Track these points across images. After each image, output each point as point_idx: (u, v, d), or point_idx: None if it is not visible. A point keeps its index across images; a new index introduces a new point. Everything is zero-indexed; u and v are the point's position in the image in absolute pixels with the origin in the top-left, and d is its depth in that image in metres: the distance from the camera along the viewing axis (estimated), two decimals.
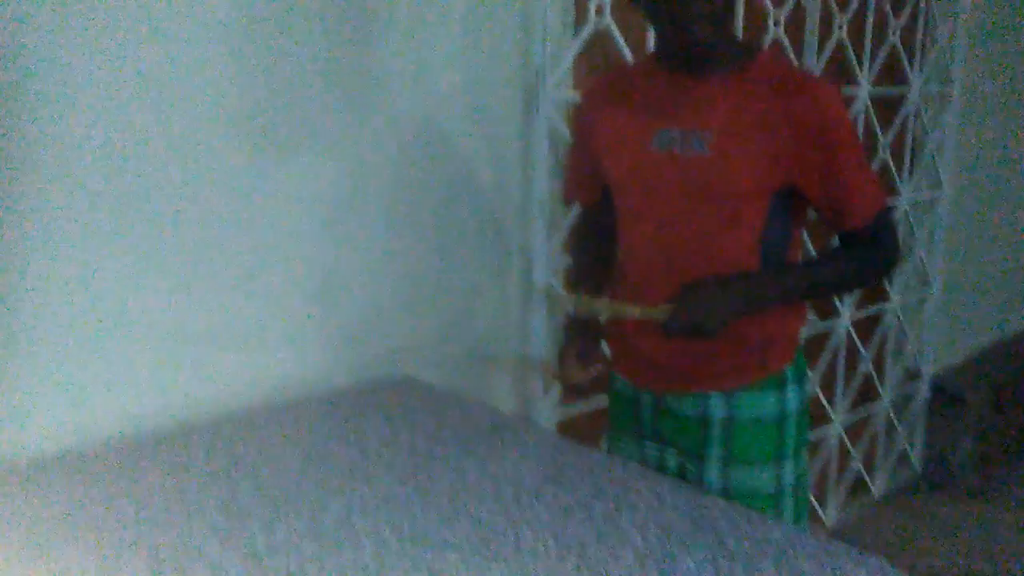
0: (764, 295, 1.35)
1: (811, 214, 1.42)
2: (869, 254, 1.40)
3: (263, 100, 1.48)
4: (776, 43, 2.33)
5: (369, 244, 1.67)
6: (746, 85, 1.32)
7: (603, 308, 1.39)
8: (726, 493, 1.41)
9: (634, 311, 1.35)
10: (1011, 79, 3.45)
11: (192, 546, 1.05)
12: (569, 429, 2.09)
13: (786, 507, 1.44)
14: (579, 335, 1.54)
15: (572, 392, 1.46)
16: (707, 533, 1.09)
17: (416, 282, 1.77)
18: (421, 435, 1.40)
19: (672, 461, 1.51)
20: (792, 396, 1.43)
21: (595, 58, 1.99)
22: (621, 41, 1.96)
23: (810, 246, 2.36)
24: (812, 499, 2.68)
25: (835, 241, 1.46)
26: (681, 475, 1.49)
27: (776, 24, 2.31)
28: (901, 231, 2.99)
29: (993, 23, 3.22)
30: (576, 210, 1.82)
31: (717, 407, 1.42)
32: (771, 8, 2.30)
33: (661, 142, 1.35)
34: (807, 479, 1.51)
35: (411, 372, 1.72)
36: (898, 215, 2.93)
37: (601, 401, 2.03)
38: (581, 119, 1.55)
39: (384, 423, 1.45)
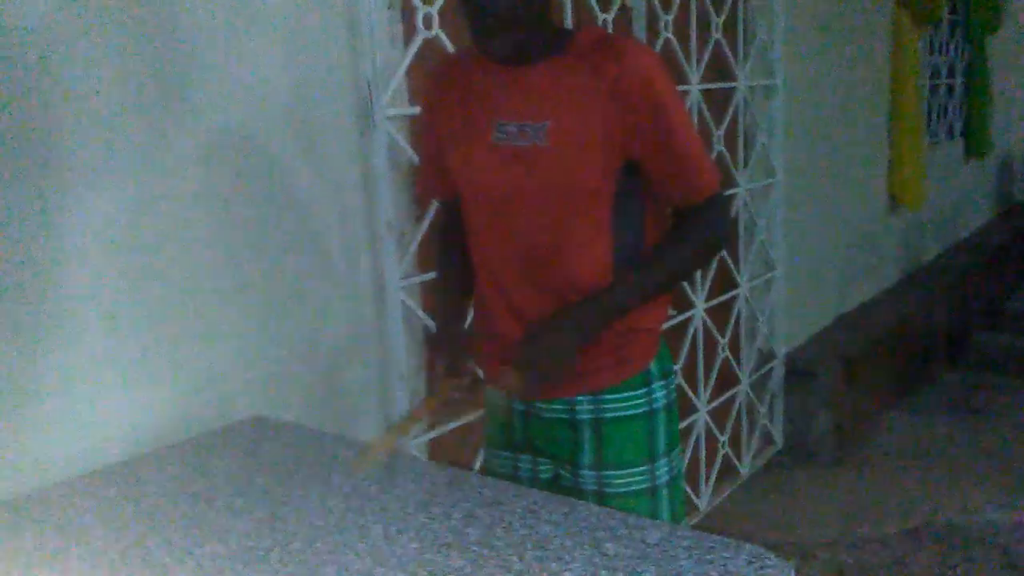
0: (601, 316, 1.33)
1: None
2: (699, 232, 1.36)
3: (44, 125, 1.32)
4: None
5: (191, 278, 1.54)
6: (569, 67, 1.31)
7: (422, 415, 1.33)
8: (602, 496, 1.39)
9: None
10: (830, 68, 3.66)
11: None
12: (441, 448, 2.03)
13: (662, 505, 1.43)
14: (445, 348, 1.44)
15: (447, 409, 1.40)
16: (585, 543, 1.06)
17: (259, 314, 1.66)
18: (276, 476, 1.31)
19: (546, 473, 1.48)
20: (658, 392, 1.43)
21: (428, 69, 1.94)
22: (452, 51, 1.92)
23: None
24: (687, 488, 2.73)
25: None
26: (556, 485, 1.46)
27: (604, 27, 2.34)
28: (742, 218, 3.11)
29: (810, 16, 3.40)
30: (435, 206, 1.70)
31: (584, 409, 1.40)
32: (599, 12, 2.33)
33: (499, 135, 1.33)
34: (682, 473, 1.50)
35: (262, 411, 1.62)
36: (737, 202, 3.04)
37: (469, 418, 1.99)
38: (427, 107, 1.51)
39: (236, 468, 1.35)
